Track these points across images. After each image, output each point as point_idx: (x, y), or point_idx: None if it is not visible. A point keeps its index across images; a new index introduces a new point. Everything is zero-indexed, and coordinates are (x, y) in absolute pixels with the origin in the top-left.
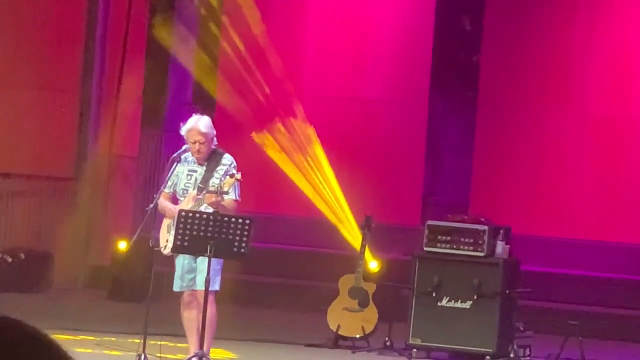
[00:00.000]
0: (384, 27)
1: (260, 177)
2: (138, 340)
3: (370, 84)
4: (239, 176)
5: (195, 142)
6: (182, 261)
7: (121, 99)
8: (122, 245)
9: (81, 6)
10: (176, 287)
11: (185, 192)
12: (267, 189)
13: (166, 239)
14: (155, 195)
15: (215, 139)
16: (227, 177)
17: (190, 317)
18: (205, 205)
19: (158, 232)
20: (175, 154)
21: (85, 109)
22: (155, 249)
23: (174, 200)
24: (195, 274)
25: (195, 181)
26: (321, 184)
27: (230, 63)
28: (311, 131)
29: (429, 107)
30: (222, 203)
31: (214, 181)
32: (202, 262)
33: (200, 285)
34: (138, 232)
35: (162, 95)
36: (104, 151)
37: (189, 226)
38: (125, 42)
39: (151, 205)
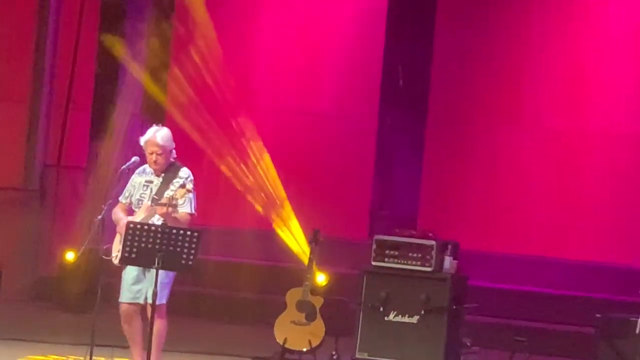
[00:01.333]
0: (334, 41)
1: (208, 189)
2: (83, 358)
3: (320, 98)
4: (189, 187)
5: (152, 153)
6: (130, 272)
7: (71, 109)
8: (70, 256)
9: (31, 16)
10: (123, 298)
11: (140, 202)
12: (216, 201)
13: (118, 249)
14: (103, 207)
15: (174, 151)
16: (179, 188)
17: (131, 330)
18: (157, 216)
19: (108, 242)
20: (124, 166)
21: (34, 119)
22: (106, 258)
23: (130, 211)
24: (142, 286)
25: (151, 192)
26: (269, 197)
27: (181, 74)
28: (260, 143)
29: (379, 121)
30: (175, 216)
31: (169, 193)
32: (152, 274)
33: (149, 299)
34: (86, 243)
35: (112, 106)
36: (53, 161)
37: (137, 238)
38: (75, 52)
39: (99, 217)
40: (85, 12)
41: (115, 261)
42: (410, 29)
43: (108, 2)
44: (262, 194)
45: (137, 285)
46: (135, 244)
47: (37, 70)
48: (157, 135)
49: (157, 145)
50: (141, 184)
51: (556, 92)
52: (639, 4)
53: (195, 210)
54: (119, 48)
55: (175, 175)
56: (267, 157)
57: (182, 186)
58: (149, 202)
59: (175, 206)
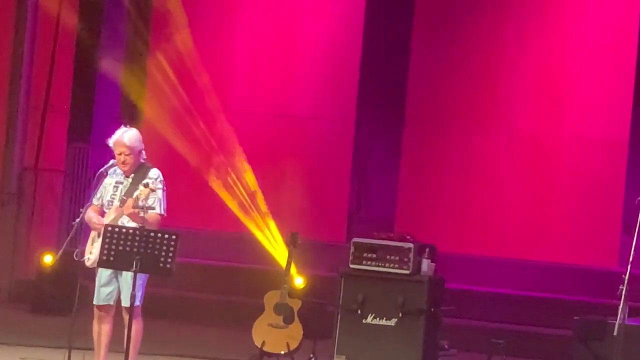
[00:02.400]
0: (312, 44)
1: (186, 192)
2: None
3: (297, 101)
4: (152, 186)
5: (120, 154)
6: (103, 275)
7: (48, 112)
8: (48, 259)
9: (9, 19)
10: (95, 300)
11: (110, 203)
12: (193, 203)
13: (90, 250)
14: (81, 210)
15: (144, 152)
16: (143, 188)
17: (101, 332)
18: (127, 218)
19: (85, 244)
20: (102, 169)
21: (12, 122)
22: (79, 260)
23: (103, 212)
24: (113, 288)
25: (120, 193)
26: (247, 200)
27: (158, 77)
28: (238, 146)
29: (356, 125)
30: (144, 216)
31: (136, 194)
32: (126, 277)
33: (124, 301)
34: (64, 246)
35: (90, 109)
36: (30, 164)
37: (114, 241)
38: (53, 55)
39: (77, 220)
40: (62, 16)
41: (88, 263)
42: (387, 33)
43: (86, 6)
44: (240, 197)
45: (109, 287)
46: (113, 247)
47: (15, 73)
48: (125, 136)
49: (125, 145)
50: (112, 185)
51: (531, 97)
52: (614, 10)
53: (165, 211)
54: (96, 51)
55: (144, 176)
56: (244, 160)
57: (146, 185)
58: (118, 203)
59: (142, 207)
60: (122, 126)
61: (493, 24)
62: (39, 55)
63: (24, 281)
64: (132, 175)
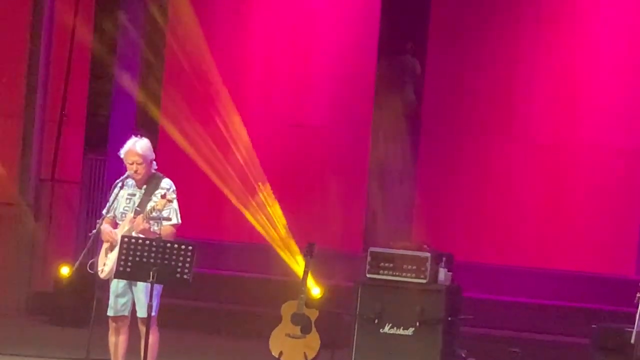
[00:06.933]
0: (327, 52)
1: (203, 203)
2: None
3: (313, 110)
4: (170, 197)
5: (132, 163)
6: (116, 286)
7: (64, 123)
8: (65, 271)
9: (25, 30)
10: (110, 312)
11: (123, 215)
12: (210, 214)
13: (103, 262)
14: (98, 221)
15: (155, 163)
16: (160, 198)
17: (118, 343)
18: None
19: (98, 255)
20: (118, 180)
21: (28, 134)
22: (91, 271)
23: (115, 224)
24: (127, 299)
25: (134, 205)
26: (264, 210)
27: (174, 88)
28: (254, 156)
29: (372, 134)
30: (157, 231)
31: (151, 205)
32: (140, 288)
33: (140, 312)
34: (81, 257)
35: (106, 120)
36: (47, 176)
37: (131, 252)
38: (69, 66)
39: (94, 231)
40: (78, 27)
41: (102, 275)
42: (403, 41)
43: (101, 16)
44: (256, 207)
45: (123, 298)
46: (130, 258)
47: (31, 84)
48: (137, 145)
49: (137, 154)
50: (124, 196)
51: (547, 105)
52: (630, 17)
53: (180, 220)
54: (112, 62)
55: (157, 186)
56: (260, 170)
57: (163, 197)
58: (132, 215)
59: (158, 218)
60: (133, 137)
61: (509, 31)
62: (54, 67)
63: (41, 293)
64: (145, 186)
